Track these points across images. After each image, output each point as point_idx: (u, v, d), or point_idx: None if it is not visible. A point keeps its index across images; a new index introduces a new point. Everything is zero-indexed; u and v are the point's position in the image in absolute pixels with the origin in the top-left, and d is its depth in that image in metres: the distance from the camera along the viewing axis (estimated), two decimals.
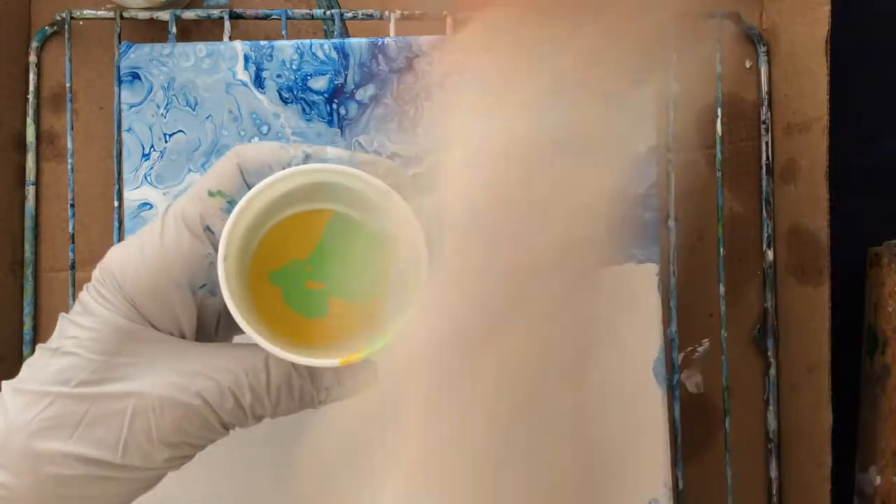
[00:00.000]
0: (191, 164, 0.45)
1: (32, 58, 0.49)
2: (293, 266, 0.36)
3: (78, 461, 0.31)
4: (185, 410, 0.32)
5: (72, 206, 0.46)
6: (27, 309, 0.48)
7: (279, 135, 0.45)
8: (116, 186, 0.45)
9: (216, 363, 0.33)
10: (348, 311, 0.36)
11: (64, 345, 0.32)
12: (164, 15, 0.46)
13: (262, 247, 0.36)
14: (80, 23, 0.49)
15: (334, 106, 0.45)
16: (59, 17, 0.48)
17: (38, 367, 0.32)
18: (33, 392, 0.32)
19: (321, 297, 0.36)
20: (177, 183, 0.45)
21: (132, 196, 0.45)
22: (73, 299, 0.46)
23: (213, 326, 0.35)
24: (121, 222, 0.45)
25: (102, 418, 0.32)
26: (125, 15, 0.47)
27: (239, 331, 0.35)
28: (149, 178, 0.45)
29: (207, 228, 0.33)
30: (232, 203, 0.33)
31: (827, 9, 0.47)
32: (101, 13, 0.47)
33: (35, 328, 0.48)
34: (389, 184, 0.33)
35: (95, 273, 0.34)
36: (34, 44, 0.49)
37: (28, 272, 0.48)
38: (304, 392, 0.34)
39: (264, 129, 0.45)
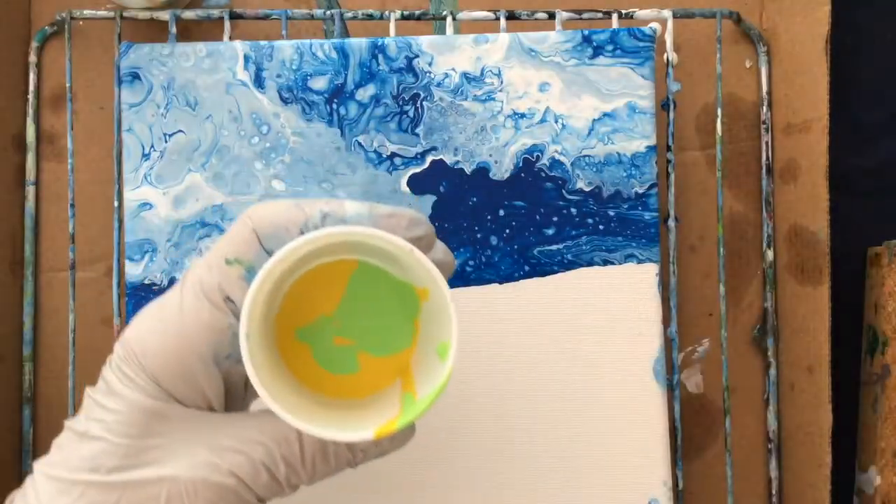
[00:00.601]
0: (191, 164, 0.45)
1: (32, 58, 0.49)
2: (320, 322, 0.35)
3: None
4: (219, 490, 0.31)
5: (72, 206, 0.46)
6: (27, 309, 0.48)
7: (279, 134, 0.45)
8: (116, 186, 0.45)
9: (247, 435, 0.32)
10: (379, 364, 0.35)
11: (91, 428, 0.31)
12: (164, 15, 0.46)
13: (286, 302, 0.34)
14: (80, 23, 0.49)
15: (334, 106, 0.45)
16: (59, 17, 0.48)
17: (68, 450, 0.32)
18: (64, 479, 0.31)
19: (350, 354, 0.35)
20: (177, 183, 0.45)
21: (132, 196, 0.45)
22: (73, 299, 0.46)
23: (242, 390, 0.34)
24: (121, 222, 0.45)
25: None
26: (125, 15, 0.47)
27: None
28: (149, 178, 0.45)
29: (228, 298, 0.32)
30: (250, 271, 0.32)
31: (827, 9, 0.47)
32: (101, 13, 0.47)
33: (35, 328, 0.48)
34: (412, 237, 0.32)
35: (117, 349, 0.32)
36: (34, 44, 0.49)
37: (28, 272, 0.48)
38: (339, 456, 0.33)
39: (264, 128, 0.45)
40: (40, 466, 0.32)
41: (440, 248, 0.35)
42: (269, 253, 0.32)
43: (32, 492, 0.32)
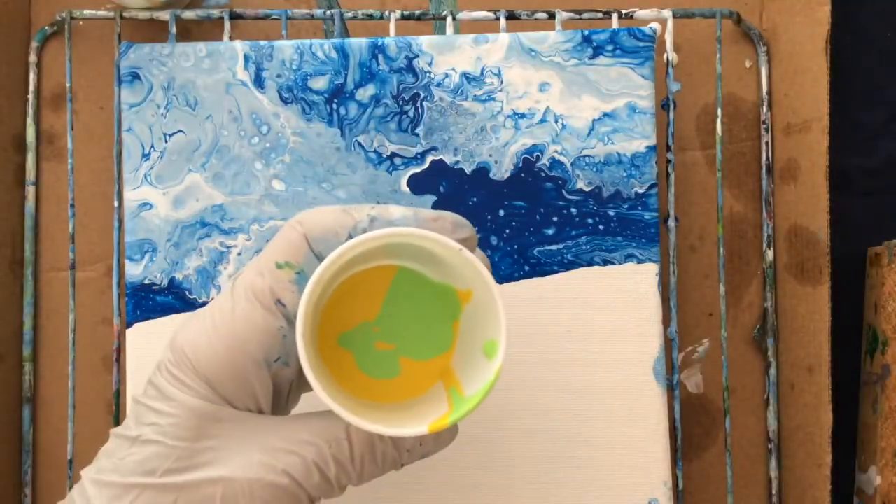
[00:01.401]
0: (191, 164, 0.45)
1: (32, 58, 0.49)
2: (362, 328, 0.35)
3: None
4: (274, 490, 0.32)
5: (72, 206, 0.46)
6: (27, 309, 0.48)
7: (279, 134, 0.45)
8: (116, 186, 0.45)
9: (299, 437, 0.32)
10: (419, 368, 0.36)
11: (144, 433, 0.32)
12: (164, 15, 0.46)
13: (327, 309, 0.35)
14: (80, 23, 0.49)
15: (334, 106, 0.45)
16: (59, 17, 0.48)
17: (119, 457, 0.32)
18: (118, 484, 0.31)
19: (392, 359, 0.35)
20: (177, 183, 0.45)
21: (132, 196, 0.45)
22: (73, 299, 0.46)
23: (285, 395, 0.34)
24: (121, 222, 0.45)
25: None
26: (125, 15, 0.47)
27: (306, 390, 0.35)
28: (149, 178, 0.45)
29: (279, 301, 0.32)
30: (301, 274, 0.32)
31: (827, 9, 0.47)
32: (101, 13, 0.47)
33: (35, 328, 0.48)
34: (458, 239, 0.33)
35: (167, 354, 0.33)
36: (34, 44, 0.49)
37: (28, 272, 0.48)
38: (386, 456, 0.33)
39: (264, 129, 0.45)
40: (88, 474, 0.32)
41: (478, 252, 0.35)
42: (319, 257, 0.32)
43: (82, 499, 0.32)
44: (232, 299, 0.32)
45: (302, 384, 0.35)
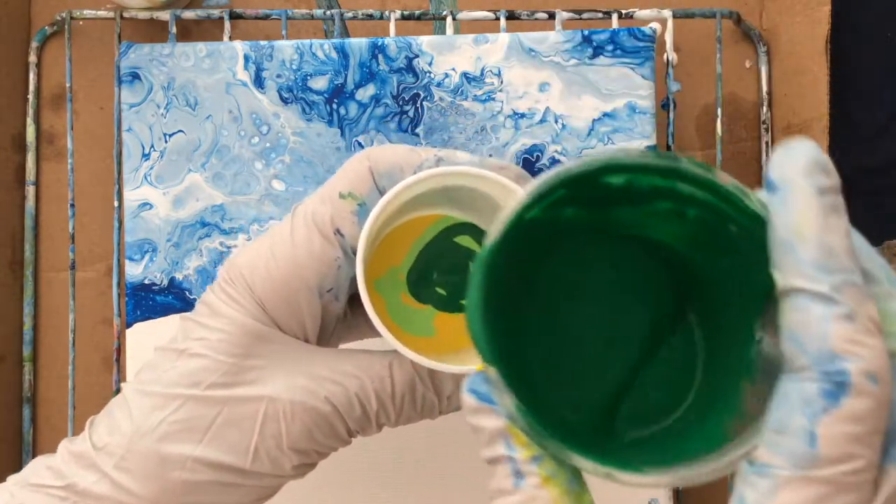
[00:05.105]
0: (191, 164, 0.45)
1: (32, 58, 0.49)
2: (391, 274, 0.35)
3: (207, 466, 0.31)
4: (315, 416, 0.32)
5: (72, 206, 0.46)
6: (27, 309, 0.48)
7: (279, 134, 0.45)
8: (116, 186, 0.45)
9: (343, 368, 0.32)
10: (452, 324, 0.35)
11: (191, 346, 0.32)
12: (164, 15, 0.46)
13: (373, 254, 0.35)
14: (80, 23, 0.49)
15: (334, 106, 0.45)
16: (59, 17, 0.48)
17: (164, 369, 0.32)
18: (160, 394, 0.31)
19: (426, 319, 0.35)
20: (177, 183, 0.45)
21: (132, 196, 0.45)
22: (73, 299, 0.46)
23: (329, 331, 0.34)
24: (121, 222, 0.45)
25: (233, 422, 0.31)
26: (125, 15, 0.47)
27: (349, 338, 0.35)
28: (149, 178, 0.45)
29: (338, 231, 0.32)
30: (363, 206, 0.32)
31: (827, 9, 0.47)
32: (101, 13, 0.47)
33: (35, 328, 0.48)
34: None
35: (222, 273, 0.33)
36: (34, 44, 0.49)
37: (28, 272, 0.48)
38: (426, 400, 0.33)
39: (264, 129, 0.45)
40: (130, 385, 0.32)
41: None
42: (382, 192, 0.32)
43: (121, 410, 0.32)
44: (291, 225, 0.33)
45: (346, 327, 0.35)
